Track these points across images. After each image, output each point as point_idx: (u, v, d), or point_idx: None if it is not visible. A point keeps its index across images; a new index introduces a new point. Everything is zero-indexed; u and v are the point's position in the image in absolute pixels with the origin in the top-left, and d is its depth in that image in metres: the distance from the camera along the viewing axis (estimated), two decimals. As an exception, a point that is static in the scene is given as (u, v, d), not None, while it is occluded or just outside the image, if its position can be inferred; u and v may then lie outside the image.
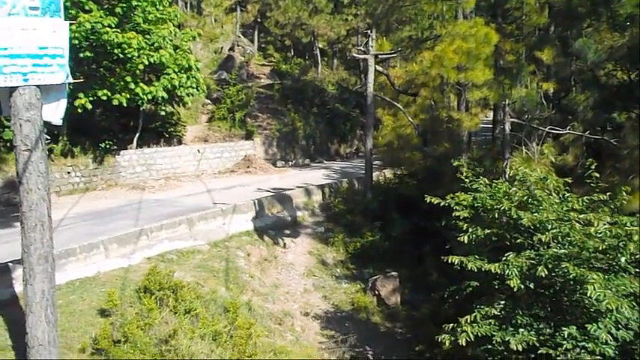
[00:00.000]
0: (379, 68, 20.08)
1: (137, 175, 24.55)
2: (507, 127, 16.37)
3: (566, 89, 17.31)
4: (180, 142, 27.76)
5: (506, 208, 9.61)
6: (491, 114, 26.89)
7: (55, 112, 8.34)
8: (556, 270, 8.87)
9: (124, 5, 21.39)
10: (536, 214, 9.56)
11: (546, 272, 8.68)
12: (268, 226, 18.30)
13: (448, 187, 18.71)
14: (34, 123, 7.87)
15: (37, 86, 7.87)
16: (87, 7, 20.38)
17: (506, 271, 8.97)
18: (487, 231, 10.18)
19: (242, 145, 29.43)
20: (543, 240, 9.04)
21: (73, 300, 11.40)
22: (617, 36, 14.35)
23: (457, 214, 10.85)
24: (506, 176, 14.25)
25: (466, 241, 10.13)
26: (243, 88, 32.12)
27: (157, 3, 22.73)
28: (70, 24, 8.94)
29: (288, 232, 18.45)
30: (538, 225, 9.45)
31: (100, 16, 20.21)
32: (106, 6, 21.83)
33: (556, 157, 11.10)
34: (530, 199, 9.84)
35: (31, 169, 8.00)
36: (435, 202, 11.16)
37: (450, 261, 9.80)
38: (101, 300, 11.19)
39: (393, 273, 16.67)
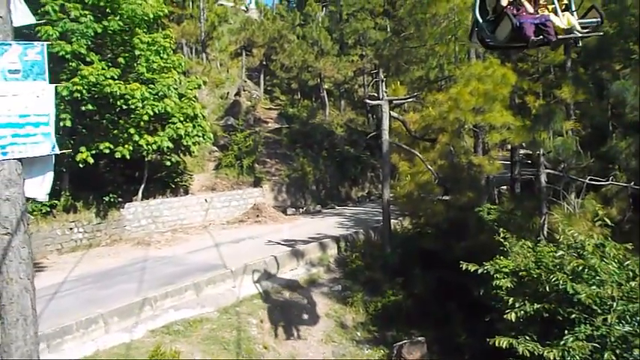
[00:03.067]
0: (394, 114, 19.09)
1: (142, 228, 23.48)
2: (543, 178, 15.16)
3: (604, 136, 16.15)
4: (186, 192, 26.78)
5: (560, 282, 8.37)
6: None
7: (40, 187, 7.24)
8: (625, 355, 7.59)
9: (127, 55, 20.77)
10: (594, 287, 8.32)
11: (614, 358, 7.42)
12: (282, 286, 17.03)
13: (473, 240, 17.74)
14: (15, 202, 6.77)
15: (19, 160, 6.80)
16: (88, 59, 19.68)
17: (567, 358, 7.68)
18: (537, 306, 8.91)
19: (251, 192, 28.42)
20: (609, 320, 7.78)
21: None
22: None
23: (498, 282, 9.60)
24: (544, 233, 13.13)
25: (513, 319, 8.86)
26: (250, 134, 31.29)
27: (161, 52, 22.05)
28: (56, 86, 7.90)
29: (303, 292, 17.14)
30: (598, 301, 8.20)
31: (103, 68, 19.53)
32: (108, 56, 21.19)
33: (599, 210, 9.93)
34: (586, 270, 8.60)
35: (11, 256, 6.85)
36: (472, 270, 9.90)
37: (497, 344, 8.49)
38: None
39: (419, 338, 15.28)
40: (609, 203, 14.35)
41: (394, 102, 19.00)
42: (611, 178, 14.91)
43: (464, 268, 10.08)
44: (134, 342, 12.25)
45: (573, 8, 7.42)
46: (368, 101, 20.74)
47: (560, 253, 9.59)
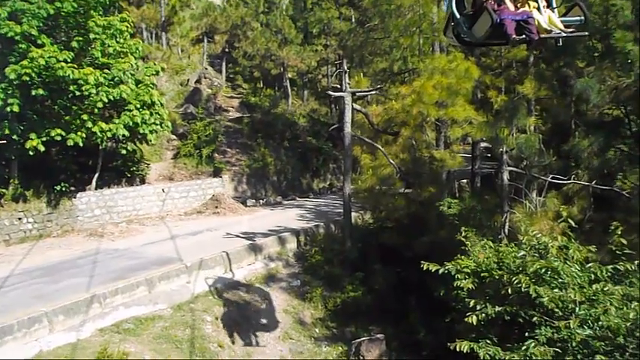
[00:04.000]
0: (357, 106, 18.76)
1: (96, 218, 22.68)
2: (505, 176, 15.04)
3: (566, 133, 16.08)
4: (143, 182, 26.00)
5: (524, 285, 8.16)
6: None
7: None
8: (586, 360, 7.44)
9: (81, 39, 19.95)
10: (557, 290, 8.16)
11: (576, 364, 7.26)
12: (238, 282, 16.56)
13: (434, 235, 17.59)
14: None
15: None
16: (39, 41, 18.79)
17: (529, 364, 7.49)
18: (498, 309, 8.71)
19: (210, 182, 27.78)
20: (571, 325, 7.62)
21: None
22: (622, 75, 13.23)
23: (459, 283, 9.38)
24: (506, 231, 13.00)
25: (475, 322, 8.63)
26: (210, 123, 30.59)
27: (117, 35, 21.27)
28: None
29: (260, 287, 16.71)
30: (560, 304, 8.03)
31: (54, 51, 18.64)
32: (61, 39, 20.27)
33: (563, 211, 9.75)
34: (548, 272, 8.42)
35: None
36: (433, 269, 9.65)
37: (458, 348, 8.24)
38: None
39: (378, 335, 15.05)
40: (570, 202, 14.30)
41: (357, 94, 18.64)
42: (572, 177, 14.88)
43: (424, 268, 9.80)
44: (81, 342, 11.65)
45: (554, 5, 7.03)
46: (331, 92, 20.40)
47: (522, 253, 9.41)
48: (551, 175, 14.53)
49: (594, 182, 14.42)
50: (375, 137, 19.60)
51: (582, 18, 7.01)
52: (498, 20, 6.47)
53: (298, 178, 33.99)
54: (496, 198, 15.74)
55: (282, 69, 39.31)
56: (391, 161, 18.08)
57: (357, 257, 18.37)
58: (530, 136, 14.47)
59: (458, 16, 6.84)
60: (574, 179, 14.75)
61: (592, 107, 14.62)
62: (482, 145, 23.02)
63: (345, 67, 38.21)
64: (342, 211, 23.57)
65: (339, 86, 37.25)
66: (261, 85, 41.60)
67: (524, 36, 6.61)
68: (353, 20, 37.32)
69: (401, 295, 17.24)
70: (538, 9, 6.84)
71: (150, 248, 18.53)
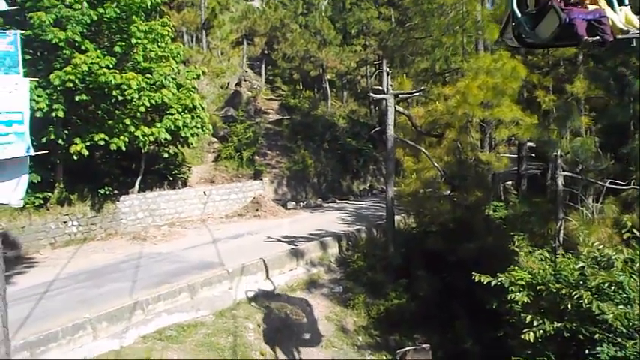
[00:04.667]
0: (399, 108, 18.32)
1: (139, 221, 22.84)
2: (560, 181, 14.37)
3: (624, 136, 15.31)
4: (185, 185, 26.10)
5: (586, 300, 7.66)
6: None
7: (13, 192, 6.56)
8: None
9: (123, 44, 20.05)
10: (621, 306, 7.63)
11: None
12: (281, 287, 16.37)
13: (480, 241, 17.05)
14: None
15: (-11, 163, 6.10)
16: (83, 47, 18.96)
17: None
18: (557, 324, 8.21)
19: (250, 185, 27.71)
20: (638, 343, 7.11)
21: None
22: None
23: (513, 296, 8.90)
24: (560, 240, 12.39)
25: (532, 339, 8.15)
26: (250, 125, 30.53)
27: (159, 40, 21.34)
28: (33, 77, 7.16)
29: (302, 294, 16.47)
30: (625, 321, 7.51)
31: (97, 56, 18.81)
32: (104, 45, 20.45)
33: (621, 217, 9.13)
34: (612, 286, 7.89)
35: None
36: (485, 282, 9.20)
37: (514, 366, 7.78)
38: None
39: (424, 345, 14.56)
40: (630, 209, 13.57)
41: (400, 96, 18.21)
42: (632, 182, 14.10)
43: (476, 280, 9.35)
44: (124, 349, 11.63)
45: (626, 2, 6.24)
46: (372, 94, 19.97)
47: (581, 264, 8.89)
48: (608, 181, 13.81)
49: (657, 187, 13.67)
50: (418, 140, 19.14)
51: None
52: (567, 20, 5.83)
53: (338, 180, 33.66)
54: (548, 203, 15.08)
55: (321, 70, 39.11)
56: (435, 164, 17.60)
57: (401, 263, 17.94)
58: (586, 139, 13.80)
59: (519, 15, 6.21)
60: (634, 184, 13.97)
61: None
62: (528, 145, 22.33)
63: (386, 68, 38.04)
64: (383, 214, 23.19)
65: (379, 87, 36.81)
66: (301, 87, 41.45)
67: (597, 37, 5.94)
68: (393, 20, 36.86)
69: (446, 302, 16.76)
70: (612, 6, 6.16)
71: (192, 252, 18.51)
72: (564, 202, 14.44)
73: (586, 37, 5.90)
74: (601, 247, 8.73)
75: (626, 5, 6.19)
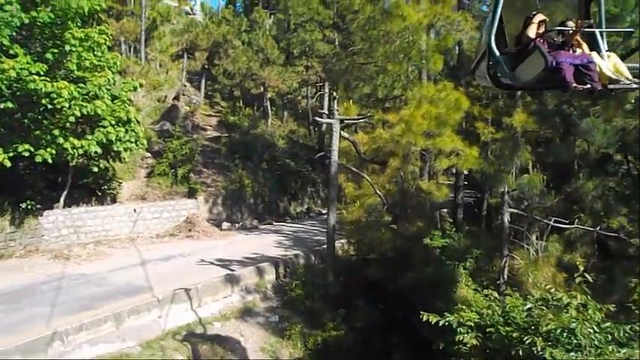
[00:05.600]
0: (344, 134, 18.02)
1: (62, 238, 21.45)
2: (506, 218, 14.33)
3: (568, 174, 15.49)
4: (114, 201, 24.80)
5: (539, 347, 7.40)
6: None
7: None
8: None
9: (56, 51, 18.92)
10: (572, 353, 7.41)
11: None
12: (213, 316, 15.51)
13: (420, 271, 16.86)
14: None
15: None
16: (12, 52, 17.73)
17: None
18: (507, 371, 7.92)
19: (184, 203, 26.68)
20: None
21: None
22: (630, 117, 12.69)
23: (461, 337, 8.58)
24: (505, 277, 12.27)
25: (483, 388, 7.83)
26: (187, 141, 29.52)
27: (95, 48, 20.25)
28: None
29: (235, 323, 15.66)
30: (579, 370, 7.30)
31: (27, 62, 17.65)
32: (35, 50, 19.22)
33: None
34: (565, 333, 7.67)
35: None
36: (433, 321, 8.83)
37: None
38: None
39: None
40: (573, 247, 13.68)
41: (345, 121, 17.92)
42: (576, 221, 14.24)
43: (424, 319, 8.98)
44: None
45: (605, 48, 5.92)
46: (319, 119, 19.59)
47: (529, 306, 8.69)
48: (553, 219, 13.87)
49: (598, 227, 13.79)
50: (361, 166, 18.87)
51: None
52: (554, 64, 5.45)
53: (275, 202, 33.06)
54: (493, 239, 15.04)
55: (262, 89, 38.70)
56: (378, 192, 17.34)
57: (339, 292, 17.44)
58: (533, 176, 13.84)
59: (497, 54, 5.76)
60: (577, 223, 14.10)
61: (596, 148, 14.05)
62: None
63: (333, 93, 37.89)
64: (321, 238, 22.79)
65: (324, 112, 36.63)
66: (241, 104, 40.77)
67: (588, 85, 5.50)
68: (336, 43, 36.93)
69: (384, 333, 16.40)
70: (599, 52, 5.86)
71: (119, 275, 17.40)
72: (509, 238, 14.42)
73: (575, 85, 5.50)
74: (553, 289, 8.53)
75: (609, 51, 5.90)
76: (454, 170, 24.64)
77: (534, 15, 5.97)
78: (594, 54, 5.81)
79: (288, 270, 19.29)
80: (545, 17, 5.97)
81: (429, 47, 22.00)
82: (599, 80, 5.58)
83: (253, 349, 14.99)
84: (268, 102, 39.38)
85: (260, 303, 17.23)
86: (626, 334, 7.90)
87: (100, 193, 24.09)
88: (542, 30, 5.93)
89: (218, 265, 19.06)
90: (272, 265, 18.95)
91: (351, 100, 20.05)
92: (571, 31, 5.90)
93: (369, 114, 19.42)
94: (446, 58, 24.79)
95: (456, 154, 18.92)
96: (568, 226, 14.12)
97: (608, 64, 5.78)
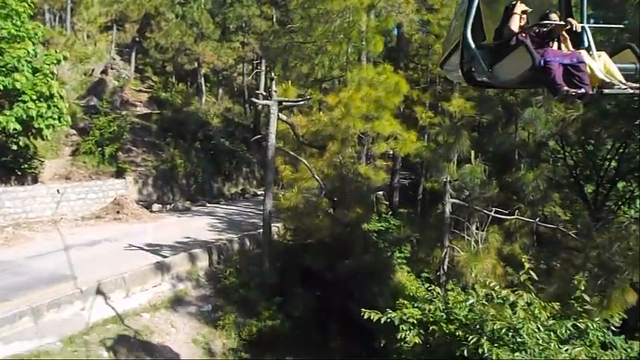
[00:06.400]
0: (282, 116, 17.38)
1: (-23, 221, 19.92)
2: (448, 208, 14.15)
3: (508, 164, 15.45)
4: (35, 181, 23.30)
5: (486, 349, 7.17)
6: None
7: None
8: None
9: (-31, 19, 17.26)
10: (517, 353, 7.24)
11: None
12: (142, 307, 14.67)
13: (358, 258, 16.62)
14: None
15: None
16: None
17: None
18: (451, 372, 7.69)
19: (112, 184, 25.36)
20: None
21: None
22: (570, 107, 12.67)
23: (403, 334, 8.30)
24: (445, 268, 12.11)
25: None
26: (115, 118, 28.05)
27: (14, 17, 18.72)
28: None
29: (166, 313, 14.90)
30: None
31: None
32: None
33: (502, 246, 8.88)
34: (510, 332, 7.48)
35: None
36: (375, 319, 8.50)
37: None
38: None
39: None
40: (511, 238, 13.68)
41: (284, 103, 17.30)
42: (516, 212, 14.23)
43: (365, 316, 8.62)
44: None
45: (593, 46, 5.21)
46: (255, 100, 18.83)
47: (471, 301, 8.52)
48: (494, 209, 13.80)
49: (538, 219, 13.83)
50: (299, 150, 18.36)
51: (637, 65, 5.27)
52: (542, 62, 4.81)
53: (209, 182, 32.12)
54: (433, 230, 14.90)
55: (196, 64, 37.35)
56: (317, 177, 16.90)
57: (275, 280, 16.94)
58: (475, 166, 13.69)
59: (473, 47, 5.09)
60: (517, 214, 14.10)
61: (538, 138, 14.05)
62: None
63: (264, 68, 37.05)
64: (256, 221, 22.22)
65: (257, 88, 35.83)
66: (174, 80, 39.23)
67: (581, 90, 4.85)
68: (274, 20, 36.04)
69: (322, 321, 16.10)
70: (589, 51, 5.19)
71: (39, 261, 16.23)
72: (450, 229, 14.29)
73: (565, 88, 4.88)
74: (497, 286, 8.33)
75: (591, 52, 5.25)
76: (391, 153, 24.60)
77: (514, 4, 5.39)
78: (584, 53, 5.21)
79: (222, 256, 18.58)
80: (527, 8, 5.39)
81: (370, 28, 21.68)
82: (589, 83, 4.99)
83: (185, 340, 14.32)
84: (202, 78, 38.06)
85: (192, 291, 16.48)
86: (568, 331, 7.83)
87: (19, 173, 22.58)
88: (524, 22, 5.35)
89: (147, 250, 18.16)
90: (205, 250, 18.18)
91: (289, 82, 19.41)
92: (558, 25, 5.33)
93: (308, 96, 18.85)
94: (385, 39, 24.57)
95: (394, 137, 18.75)
96: (508, 217, 14.10)
97: (600, 64, 5.18)
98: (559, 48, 5.31)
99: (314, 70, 24.93)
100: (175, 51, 35.51)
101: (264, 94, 18.65)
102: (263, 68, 37.42)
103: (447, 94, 21.75)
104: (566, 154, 15.23)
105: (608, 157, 16.47)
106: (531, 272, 8.21)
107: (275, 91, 16.62)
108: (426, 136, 22.06)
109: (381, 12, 24.34)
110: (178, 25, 34.77)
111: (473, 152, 14.02)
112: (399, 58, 28.23)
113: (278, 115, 16.55)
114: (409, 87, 20.08)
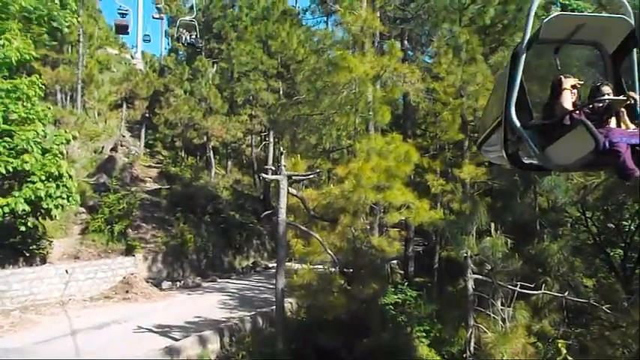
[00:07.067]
0: (292, 190, 17.13)
1: (-17, 306, 19.44)
2: (470, 285, 13.58)
3: (530, 234, 14.87)
4: (44, 261, 22.98)
5: None
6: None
7: None
8: None
9: (-20, 103, 17.45)
10: None
11: None
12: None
13: (376, 337, 15.88)
14: None
15: None
16: None
17: None
18: None
19: (121, 262, 24.97)
20: None
21: None
22: (591, 174, 12.27)
23: None
24: (471, 349, 11.45)
25: None
26: (124, 195, 27.96)
27: (24, 100, 18.92)
28: None
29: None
30: None
31: (-52, 115, 16.17)
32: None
33: (531, 323, 8.28)
34: None
35: None
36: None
37: None
38: None
39: None
40: (540, 314, 12.98)
41: (293, 177, 17.09)
42: (542, 286, 13.54)
43: None
44: None
45: None
46: (265, 176, 18.64)
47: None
48: (519, 284, 13.15)
49: (567, 293, 13.12)
50: (310, 223, 17.97)
51: None
52: (607, 144, 4.18)
53: (220, 256, 31.63)
54: (457, 308, 14.22)
55: (205, 138, 37.61)
56: (329, 251, 16.41)
57: (291, 360, 16.17)
58: (496, 238, 13.13)
59: (519, 126, 4.50)
60: (544, 288, 13.40)
61: (560, 207, 13.57)
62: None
63: (272, 139, 37.25)
64: (268, 296, 21.64)
65: (266, 160, 35.91)
66: (183, 154, 39.50)
67: None
68: (281, 92, 36.52)
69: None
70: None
71: (45, 347, 15.65)
72: (474, 307, 13.61)
73: (639, 172, 4.21)
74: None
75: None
76: (404, 221, 24.17)
77: (561, 78, 4.85)
78: None
79: (234, 338, 17.88)
80: (577, 81, 4.86)
81: (376, 99, 21.71)
82: None
83: None
84: (211, 152, 38.29)
85: (203, 377, 15.78)
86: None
87: (27, 254, 22.27)
88: (574, 97, 4.80)
89: (157, 332, 17.56)
90: (216, 332, 17.51)
91: (299, 155, 19.27)
92: (616, 100, 4.68)
93: (317, 170, 18.65)
94: (391, 107, 24.63)
95: (407, 207, 18.37)
96: (534, 292, 13.40)
97: None
98: (618, 124, 4.73)
99: (322, 141, 24.93)
100: (184, 126, 35.95)
101: (273, 168, 18.52)
102: (271, 139, 37.64)
103: (458, 160, 21.50)
104: (588, 219, 14.66)
105: (632, 220, 15.80)
106: (569, 358, 7.59)
107: (284, 166, 16.43)
108: (438, 204, 21.66)
109: (386, 82, 24.48)
110: (187, 100, 35.33)
111: (493, 224, 13.48)
112: (407, 126, 28.25)
113: (288, 190, 16.28)
114: (419, 155, 19.87)
